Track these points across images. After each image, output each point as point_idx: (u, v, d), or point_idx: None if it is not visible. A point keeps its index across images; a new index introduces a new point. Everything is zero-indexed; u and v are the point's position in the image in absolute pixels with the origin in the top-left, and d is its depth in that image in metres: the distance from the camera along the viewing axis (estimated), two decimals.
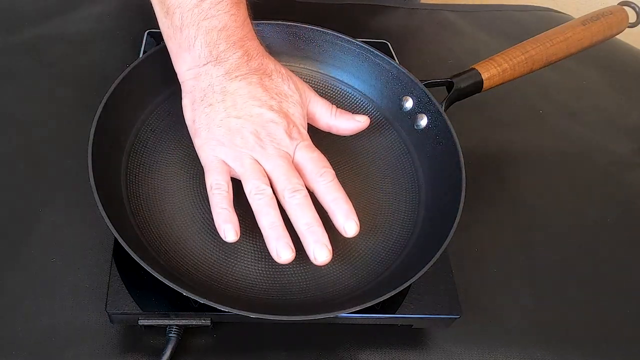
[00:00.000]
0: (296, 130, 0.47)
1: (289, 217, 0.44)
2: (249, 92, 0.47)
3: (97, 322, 0.46)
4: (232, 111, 0.46)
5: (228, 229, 0.43)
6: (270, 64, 0.49)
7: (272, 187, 0.45)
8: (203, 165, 0.47)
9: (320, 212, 0.45)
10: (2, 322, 0.45)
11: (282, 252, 0.42)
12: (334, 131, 0.52)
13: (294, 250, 0.43)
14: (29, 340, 0.45)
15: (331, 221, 0.45)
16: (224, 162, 0.46)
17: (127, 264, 0.43)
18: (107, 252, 0.47)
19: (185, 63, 0.47)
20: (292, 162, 0.46)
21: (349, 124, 0.52)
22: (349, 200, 0.45)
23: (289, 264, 0.43)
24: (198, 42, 0.46)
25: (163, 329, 0.45)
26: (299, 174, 0.46)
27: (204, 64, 0.46)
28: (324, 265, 0.43)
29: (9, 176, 0.53)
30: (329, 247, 0.43)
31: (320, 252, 0.43)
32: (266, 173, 0.45)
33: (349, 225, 0.44)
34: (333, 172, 0.46)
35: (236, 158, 0.45)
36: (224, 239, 0.43)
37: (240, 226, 0.44)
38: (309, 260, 0.43)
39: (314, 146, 0.47)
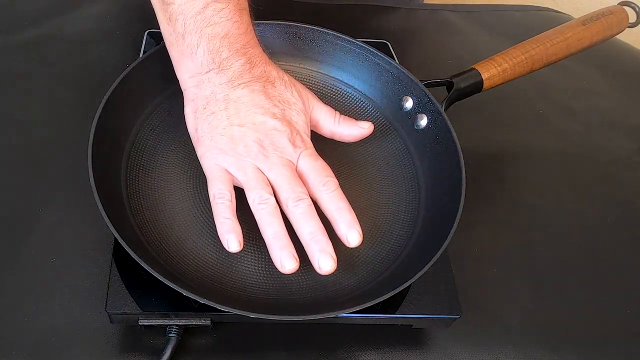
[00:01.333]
0: (299, 138, 0.47)
1: (293, 226, 0.44)
2: (251, 99, 0.46)
3: (97, 322, 0.46)
4: (235, 119, 0.46)
5: (231, 239, 0.43)
6: (273, 71, 0.49)
7: (275, 195, 0.45)
8: (206, 174, 0.47)
9: (324, 221, 0.45)
10: (2, 322, 0.45)
11: (286, 262, 0.42)
12: (337, 138, 0.52)
13: (298, 259, 0.43)
14: (29, 340, 0.45)
15: (334, 230, 0.45)
16: (226, 171, 0.46)
17: (127, 264, 0.43)
18: (107, 252, 0.47)
19: (188, 70, 0.47)
20: (296, 170, 0.46)
21: (352, 130, 0.52)
22: (352, 210, 0.45)
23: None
24: (200, 50, 0.46)
25: (163, 329, 0.45)
26: (302, 182, 0.46)
27: (207, 72, 0.46)
28: (328, 274, 0.43)
29: (9, 176, 0.53)
30: (334, 256, 0.43)
31: (325, 262, 0.43)
32: (269, 182, 0.45)
33: (351, 234, 0.44)
34: (336, 181, 0.46)
35: (239, 167, 0.45)
36: (227, 249, 0.43)
37: (242, 232, 0.44)
38: (312, 264, 0.43)
39: (317, 154, 0.47)
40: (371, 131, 0.52)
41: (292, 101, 0.48)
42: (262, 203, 0.44)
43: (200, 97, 0.47)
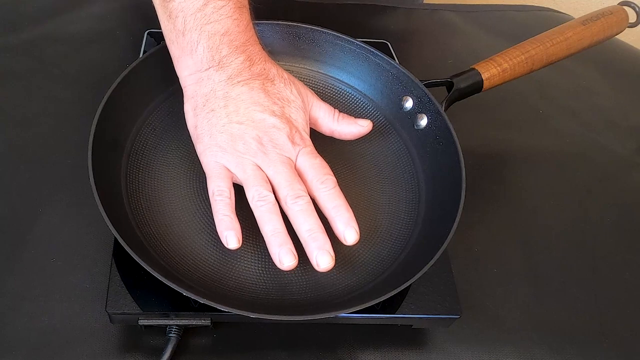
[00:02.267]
0: (298, 135, 0.47)
1: (292, 223, 0.44)
2: (251, 97, 0.46)
3: (97, 322, 0.46)
4: (234, 117, 0.46)
5: (230, 236, 0.43)
6: (273, 68, 0.49)
7: (274, 193, 0.45)
8: (205, 171, 0.47)
9: (323, 219, 0.45)
10: (2, 322, 0.45)
11: (284, 258, 0.42)
12: (337, 136, 0.52)
13: (297, 256, 0.43)
14: (29, 340, 0.45)
15: (326, 224, 0.45)
16: (226, 168, 0.46)
17: (127, 264, 0.43)
18: (107, 252, 0.47)
19: (187, 68, 0.47)
20: (295, 167, 0.46)
21: (351, 128, 0.52)
22: (349, 209, 0.45)
23: None
24: (200, 47, 0.46)
25: (163, 329, 0.45)
26: (301, 179, 0.46)
27: (206, 69, 0.46)
28: (326, 272, 0.43)
29: (9, 176, 0.53)
30: (332, 253, 0.43)
31: (322, 259, 0.43)
32: (268, 179, 0.45)
33: (348, 232, 0.44)
34: (334, 179, 0.46)
35: (238, 164, 0.45)
36: (226, 245, 0.43)
37: (242, 230, 0.44)
38: (310, 262, 0.43)
39: (316, 152, 0.47)
40: (370, 129, 0.52)
41: (291, 99, 0.48)
42: (260, 200, 0.44)
43: (200, 94, 0.47)
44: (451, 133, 0.51)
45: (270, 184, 0.45)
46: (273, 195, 0.45)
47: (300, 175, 0.46)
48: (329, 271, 0.43)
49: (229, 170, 0.46)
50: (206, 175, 0.46)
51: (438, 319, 0.46)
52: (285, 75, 0.49)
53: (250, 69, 0.47)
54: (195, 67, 0.47)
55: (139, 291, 0.43)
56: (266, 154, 0.45)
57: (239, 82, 0.47)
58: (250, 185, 0.45)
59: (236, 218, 0.44)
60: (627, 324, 0.53)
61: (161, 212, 0.47)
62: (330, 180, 0.46)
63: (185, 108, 0.48)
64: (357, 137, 0.52)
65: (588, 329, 0.52)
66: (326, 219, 0.45)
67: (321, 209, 0.45)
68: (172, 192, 0.49)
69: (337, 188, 0.46)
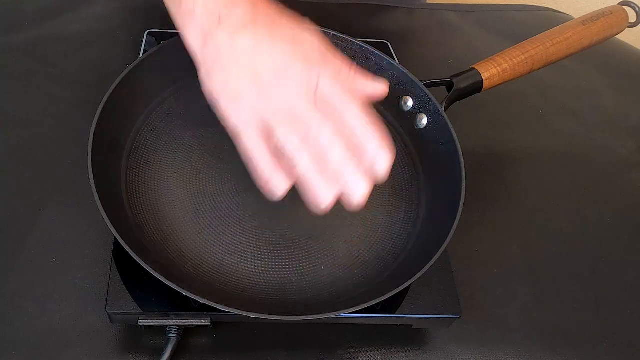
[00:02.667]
0: (317, 71, 0.45)
1: (319, 157, 0.42)
2: (256, 45, 0.46)
3: (97, 322, 0.46)
4: (247, 68, 0.45)
5: (278, 179, 0.41)
6: (276, 14, 0.48)
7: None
8: (234, 128, 0.44)
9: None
10: (2, 322, 0.45)
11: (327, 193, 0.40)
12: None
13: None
14: (29, 340, 0.45)
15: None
16: (254, 119, 0.44)
17: (127, 264, 0.43)
18: (107, 253, 0.47)
19: (191, 33, 0.47)
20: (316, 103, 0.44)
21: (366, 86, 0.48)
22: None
23: (290, 265, 0.43)
24: (198, 10, 0.45)
25: (163, 329, 0.45)
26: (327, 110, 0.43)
27: (208, 30, 0.46)
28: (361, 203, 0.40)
29: (9, 176, 0.53)
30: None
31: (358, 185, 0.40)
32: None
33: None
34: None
35: (259, 113, 0.44)
36: (274, 192, 0.41)
37: (242, 230, 0.43)
38: (310, 260, 0.43)
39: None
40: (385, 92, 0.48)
41: (300, 39, 0.47)
42: (291, 135, 0.42)
43: (208, 57, 0.46)
44: (451, 133, 0.51)
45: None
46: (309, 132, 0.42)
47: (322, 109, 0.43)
48: (328, 267, 0.42)
49: (256, 120, 0.44)
50: (236, 132, 0.44)
51: (438, 319, 0.46)
52: (291, 16, 0.48)
53: (253, 19, 0.46)
54: (198, 31, 0.46)
55: (139, 291, 0.43)
56: (286, 96, 0.44)
57: (243, 34, 0.46)
58: (279, 127, 0.43)
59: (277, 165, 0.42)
60: (627, 324, 0.53)
61: (161, 212, 0.47)
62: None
63: (200, 77, 0.47)
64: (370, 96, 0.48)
65: (588, 329, 0.52)
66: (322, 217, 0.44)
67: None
68: (172, 192, 0.49)
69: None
